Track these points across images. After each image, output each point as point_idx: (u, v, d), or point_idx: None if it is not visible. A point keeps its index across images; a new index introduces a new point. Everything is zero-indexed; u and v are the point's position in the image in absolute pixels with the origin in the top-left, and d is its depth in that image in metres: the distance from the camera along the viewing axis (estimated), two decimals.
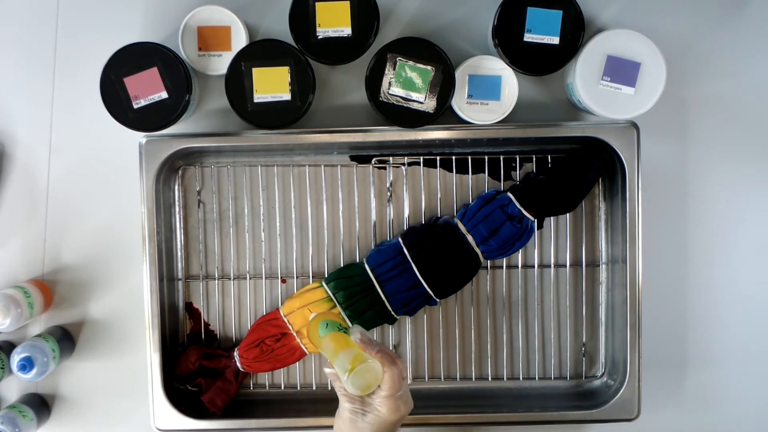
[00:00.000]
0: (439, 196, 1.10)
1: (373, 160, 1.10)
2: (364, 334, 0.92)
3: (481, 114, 1.04)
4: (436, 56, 1.00)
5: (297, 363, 1.10)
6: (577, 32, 1.01)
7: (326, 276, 1.09)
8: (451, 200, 1.10)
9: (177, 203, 1.10)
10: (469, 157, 1.09)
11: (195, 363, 1.07)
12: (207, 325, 1.12)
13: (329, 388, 1.11)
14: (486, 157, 1.09)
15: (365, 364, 0.88)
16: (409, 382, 1.11)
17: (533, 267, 1.10)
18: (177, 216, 1.10)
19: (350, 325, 0.99)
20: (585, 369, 1.11)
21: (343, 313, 1.05)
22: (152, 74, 1.00)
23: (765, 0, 1.09)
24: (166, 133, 1.03)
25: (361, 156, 1.10)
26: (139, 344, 1.10)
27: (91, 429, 1.12)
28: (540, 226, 1.10)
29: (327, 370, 0.92)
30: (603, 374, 1.11)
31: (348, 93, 1.09)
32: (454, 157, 1.09)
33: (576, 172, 1.05)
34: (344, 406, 0.92)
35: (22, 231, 1.11)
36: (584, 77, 1.01)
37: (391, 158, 1.10)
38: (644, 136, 1.04)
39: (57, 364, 1.06)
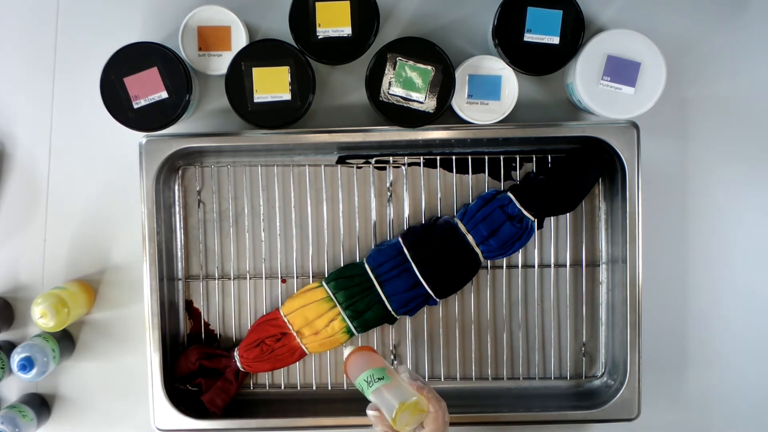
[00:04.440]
0: (439, 196, 1.10)
1: (373, 160, 1.10)
2: (412, 373, 0.93)
3: (481, 114, 1.04)
4: (436, 56, 1.00)
5: (297, 363, 1.10)
6: (577, 32, 1.01)
7: (326, 276, 1.09)
8: (451, 200, 1.10)
9: (177, 203, 1.10)
10: (469, 157, 1.09)
11: (195, 363, 1.07)
12: (207, 325, 1.12)
13: (329, 388, 1.11)
14: (486, 157, 1.09)
15: (414, 400, 0.89)
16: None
17: (533, 267, 1.10)
18: (177, 216, 1.10)
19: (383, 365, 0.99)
20: (585, 369, 1.11)
21: (343, 313, 1.05)
22: (152, 74, 1.00)
23: (765, 0, 1.09)
24: (166, 133, 1.03)
25: (347, 156, 1.09)
26: (139, 344, 1.10)
27: (91, 429, 1.12)
28: (540, 226, 1.10)
29: (370, 413, 0.92)
30: (603, 374, 1.11)
31: (348, 93, 1.09)
32: (454, 157, 1.09)
33: (576, 172, 1.05)
34: None
35: (22, 231, 1.11)
36: (584, 77, 1.01)
37: (391, 158, 1.10)
38: (644, 136, 1.04)
39: (57, 364, 1.06)
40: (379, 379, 0.91)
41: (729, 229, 1.11)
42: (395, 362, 1.11)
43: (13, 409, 1.06)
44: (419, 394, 0.90)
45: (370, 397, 0.92)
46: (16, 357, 1.02)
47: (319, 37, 1.00)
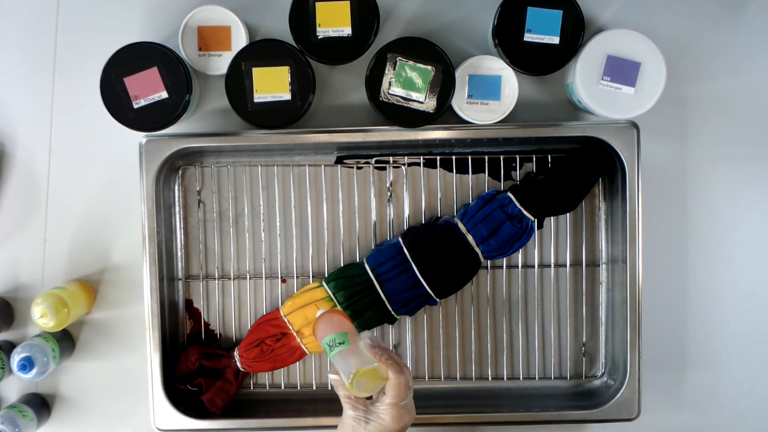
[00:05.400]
0: (439, 196, 1.10)
1: (373, 160, 1.10)
2: (374, 339, 0.93)
3: (481, 114, 1.04)
4: (436, 56, 1.00)
5: (297, 363, 1.10)
6: (577, 32, 1.01)
7: (326, 276, 1.09)
8: (451, 200, 1.10)
9: (177, 203, 1.10)
10: (469, 157, 1.09)
11: (195, 363, 1.07)
12: (207, 325, 1.12)
13: (329, 388, 1.11)
14: (486, 157, 1.09)
15: (371, 367, 0.89)
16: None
17: (533, 267, 1.10)
18: (177, 216, 1.10)
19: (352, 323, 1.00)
20: (585, 369, 1.11)
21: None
22: (152, 74, 1.00)
23: (765, 0, 1.09)
24: (166, 133, 1.03)
25: (345, 157, 1.09)
26: (139, 344, 1.10)
27: (91, 429, 1.12)
28: (540, 226, 1.10)
29: (331, 377, 0.92)
30: (603, 374, 1.11)
31: (348, 93, 1.09)
32: (454, 157, 1.09)
33: (576, 172, 1.05)
34: (347, 413, 0.91)
35: (22, 231, 1.11)
36: (584, 77, 1.01)
37: (391, 158, 1.10)
38: (644, 136, 1.04)
39: (57, 364, 1.06)
40: (339, 343, 0.92)
41: (729, 229, 1.11)
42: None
43: (13, 409, 1.06)
44: (378, 362, 0.90)
45: (332, 361, 0.92)
46: (16, 357, 1.02)
47: (319, 37, 1.00)
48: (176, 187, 1.10)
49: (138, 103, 1.00)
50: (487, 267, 1.10)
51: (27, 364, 1.02)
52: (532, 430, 1.10)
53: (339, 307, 1.05)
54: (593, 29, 1.07)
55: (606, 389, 1.09)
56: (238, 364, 1.07)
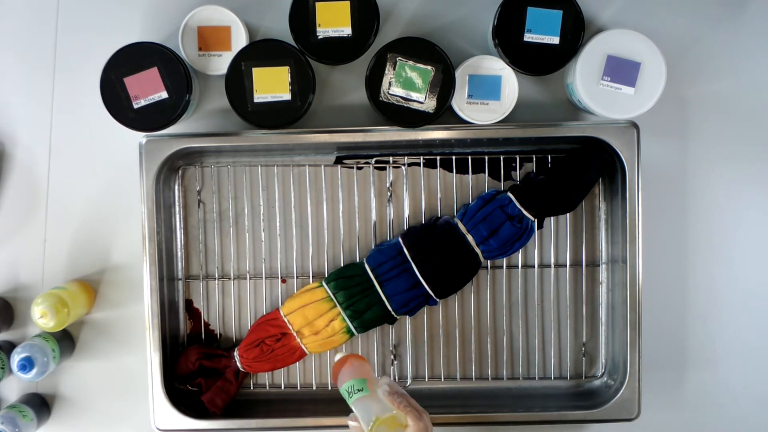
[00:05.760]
0: (439, 196, 1.10)
1: (373, 160, 1.10)
2: (392, 385, 0.93)
3: (481, 114, 1.04)
4: (436, 56, 1.00)
5: (297, 363, 1.10)
6: (577, 32, 1.01)
7: (326, 276, 1.09)
8: (451, 200, 1.10)
9: (177, 203, 1.10)
10: (469, 157, 1.09)
11: (195, 363, 1.07)
12: (207, 325, 1.12)
13: (329, 388, 1.11)
14: (486, 157, 1.09)
15: (390, 414, 0.89)
16: (407, 384, 1.11)
17: (533, 267, 1.10)
18: (177, 216, 1.10)
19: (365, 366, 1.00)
20: (585, 369, 1.11)
21: (343, 313, 1.05)
22: (152, 74, 1.00)
23: (765, 0, 1.09)
24: (166, 133, 1.03)
25: (345, 157, 1.09)
26: (139, 344, 1.10)
27: (91, 429, 1.12)
28: (540, 226, 1.10)
29: (351, 424, 0.93)
30: (603, 374, 1.11)
31: (348, 93, 1.09)
32: (454, 157, 1.09)
33: (576, 172, 1.05)
34: None
35: (22, 231, 1.11)
36: (584, 77, 1.01)
37: (391, 158, 1.10)
38: (644, 136, 1.04)
39: (57, 364, 1.06)
40: (358, 390, 0.92)
41: (729, 229, 1.11)
42: (393, 362, 1.11)
43: (13, 409, 1.06)
44: (397, 408, 0.90)
45: (352, 408, 0.93)
46: (16, 357, 1.02)
47: (319, 37, 1.00)
48: (176, 187, 1.10)
49: (138, 103, 1.00)
50: (487, 267, 1.10)
51: (27, 364, 1.02)
52: (532, 430, 1.10)
53: (339, 308, 1.05)
54: (593, 29, 1.07)
55: (606, 389, 1.09)
56: (238, 364, 1.07)
